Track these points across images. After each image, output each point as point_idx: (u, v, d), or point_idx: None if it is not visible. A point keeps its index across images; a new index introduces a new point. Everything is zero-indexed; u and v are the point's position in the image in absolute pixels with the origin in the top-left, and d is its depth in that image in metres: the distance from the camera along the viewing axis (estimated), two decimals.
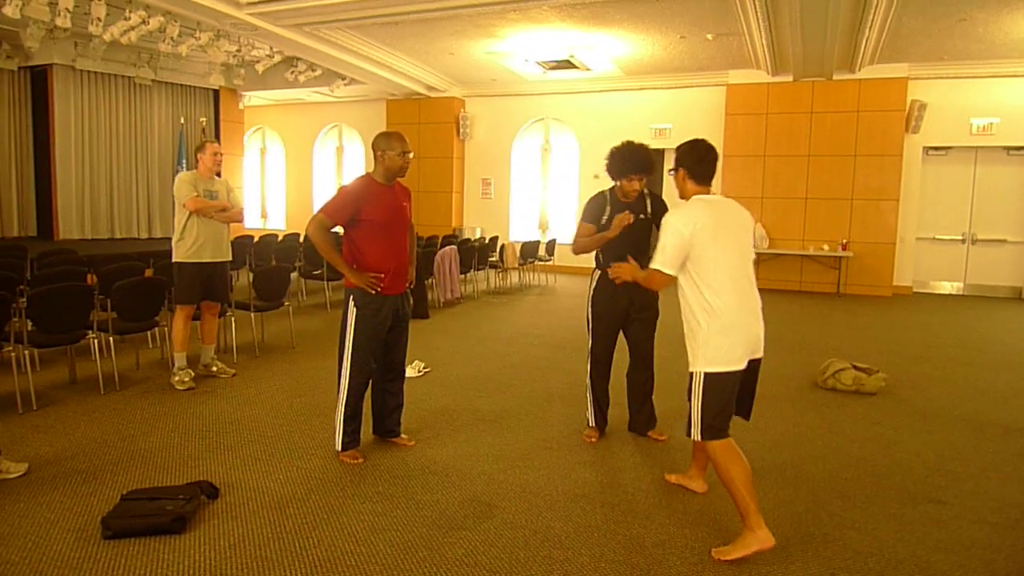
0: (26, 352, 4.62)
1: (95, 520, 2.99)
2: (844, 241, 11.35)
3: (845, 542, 2.97)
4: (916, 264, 11.66)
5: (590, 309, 4.11)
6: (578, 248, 4.09)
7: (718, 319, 2.81)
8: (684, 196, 3.05)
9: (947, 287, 11.70)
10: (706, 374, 2.83)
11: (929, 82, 11.00)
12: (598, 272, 4.04)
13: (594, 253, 4.09)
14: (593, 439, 4.11)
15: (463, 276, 9.89)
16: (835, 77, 11.12)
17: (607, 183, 4.09)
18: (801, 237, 11.62)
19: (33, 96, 12.45)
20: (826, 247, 11.46)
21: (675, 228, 2.86)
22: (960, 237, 11.52)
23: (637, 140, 4.01)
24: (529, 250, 11.49)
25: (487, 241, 11.60)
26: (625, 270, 3.18)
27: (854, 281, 11.42)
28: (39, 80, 12.29)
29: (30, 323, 4.72)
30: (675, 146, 3.19)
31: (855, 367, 5.46)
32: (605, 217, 3.96)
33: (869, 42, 9.42)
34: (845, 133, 11.29)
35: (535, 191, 14.30)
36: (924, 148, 11.35)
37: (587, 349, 4.16)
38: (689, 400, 2.91)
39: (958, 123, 11.06)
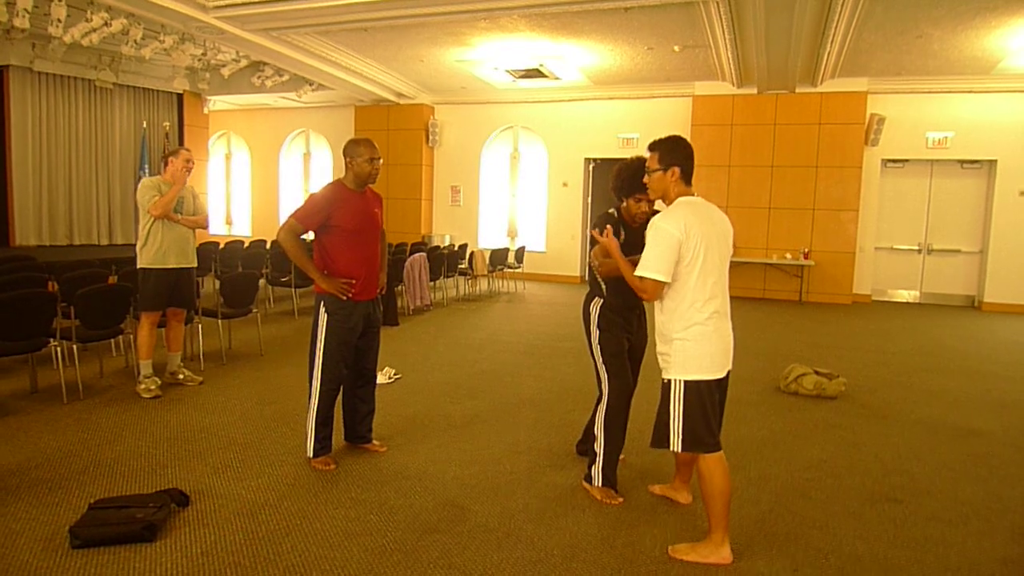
0: None
1: (63, 530, 2.95)
2: (806, 250, 11.64)
3: (807, 540, 3.07)
4: (875, 273, 11.99)
5: (599, 348, 3.48)
6: (607, 271, 3.31)
7: (699, 326, 2.77)
8: (668, 198, 2.90)
9: (904, 295, 12.06)
10: (686, 382, 2.79)
11: (887, 96, 11.37)
12: (600, 301, 3.52)
13: (594, 282, 3.57)
14: (619, 500, 3.41)
15: (432, 283, 9.90)
16: (798, 90, 11.42)
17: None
18: (765, 246, 11.88)
19: None
20: (789, 256, 11.73)
21: (667, 232, 2.74)
22: (916, 247, 11.89)
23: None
24: (498, 257, 11.55)
25: (456, 248, 11.62)
26: (613, 247, 3.00)
27: (815, 289, 11.70)
28: None
29: None
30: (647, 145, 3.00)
31: (816, 372, 5.61)
32: (621, 240, 3.35)
33: (831, 56, 9.70)
34: (807, 145, 11.59)
35: (504, 199, 14.38)
36: (882, 160, 11.71)
37: (603, 392, 3.50)
38: (667, 410, 2.83)
39: (915, 137, 11.44)
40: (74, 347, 5.05)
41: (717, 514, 2.80)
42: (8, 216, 11.96)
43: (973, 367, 6.87)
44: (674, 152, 2.88)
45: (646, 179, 2.99)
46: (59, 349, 4.94)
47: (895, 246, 11.97)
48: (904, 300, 12.03)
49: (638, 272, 2.81)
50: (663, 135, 2.99)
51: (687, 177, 2.88)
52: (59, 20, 8.15)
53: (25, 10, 7.81)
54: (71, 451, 3.94)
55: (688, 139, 2.98)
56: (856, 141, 11.40)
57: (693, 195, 2.88)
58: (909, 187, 11.84)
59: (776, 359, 6.66)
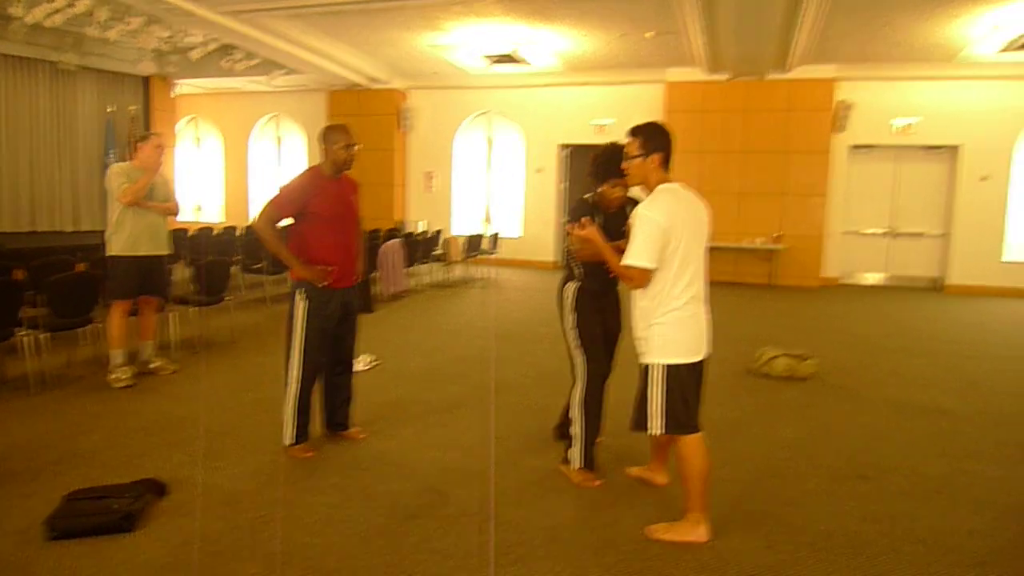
0: None
1: (37, 521, 2.91)
2: (776, 234, 11.81)
3: (780, 517, 3.15)
4: (842, 256, 12.22)
5: (574, 331, 3.50)
6: (587, 255, 3.21)
7: (676, 312, 2.81)
8: (649, 184, 2.89)
9: (871, 278, 12.31)
10: (667, 366, 2.83)
11: (855, 83, 11.54)
12: (573, 285, 3.53)
13: (569, 266, 3.59)
14: (597, 482, 3.47)
15: (407, 269, 9.87)
16: (768, 77, 11.54)
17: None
18: (735, 231, 12.02)
19: None
20: (759, 240, 11.89)
21: (654, 220, 2.74)
22: (883, 231, 12.13)
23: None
24: (473, 243, 11.54)
25: (431, 235, 11.58)
26: (596, 237, 2.95)
27: (785, 273, 11.89)
28: None
29: None
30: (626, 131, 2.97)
31: (788, 354, 5.73)
32: (597, 225, 3.25)
33: (799, 43, 9.81)
34: (777, 131, 11.73)
35: (479, 184, 14.34)
36: (850, 146, 11.90)
37: (578, 375, 3.52)
38: (646, 393, 2.88)
39: (881, 123, 11.64)
40: (42, 336, 4.95)
41: (695, 494, 2.87)
42: None
43: (938, 348, 7.06)
44: (655, 138, 2.88)
45: (625, 165, 2.98)
46: (26, 339, 4.84)
47: (862, 230, 12.20)
48: (871, 283, 12.29)
49: (626, 261, 2.81)
50: (637, 121, 2.99)
51: (667, 163, 2.89)
52: (19, 0, 7.91)
53: None
54: (43, 442, 3.88)
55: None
56: (824, 127, 11.57)
57: (672, 181, 2.89)
58: (875, 172, 12.06)
59: (748, 342, 6.76)
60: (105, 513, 2.91)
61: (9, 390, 4.84)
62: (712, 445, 3.90)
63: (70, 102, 12.72)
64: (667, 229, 2.74)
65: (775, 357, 5.69)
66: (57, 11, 8.44)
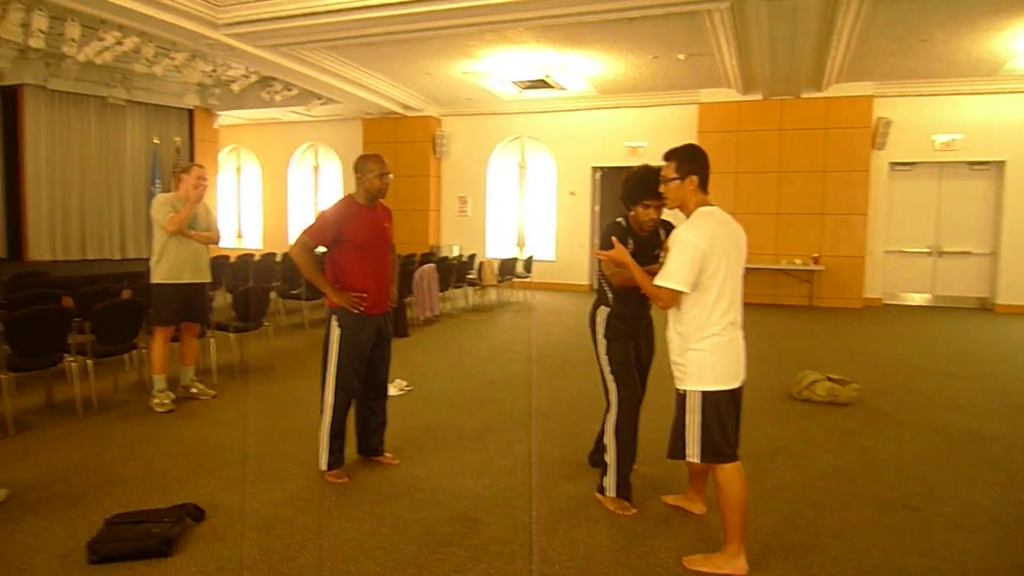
0: (3, 377, 4.57)
1: (80, 545, 2.97)
2: (815, 255, 11.60)
3: (822, 548, 3.06)
4: (885, 276, 11.94)
5: (606, 357, 3.48)
6: (621, 280, 3.29)
7: (714, 337, 2.77)
8: (687, 207, 2.87)
9: (916, 298, 11.99)
10: (703, 393, 2.79)
11: (894, 100, 11.35)
12: (605, 310, 3.51)
13: (600, 291, 3.57)
14: (632, 511, 3.40)
15: (441, 294, 9.93)
16: (803, 95, 11.42)
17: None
18: (774, 251, 11.85)
19: (4, 116, 12.29)
20: (798, 261, 11.70)
21: (693, 243, 2.72)
22: (927, 250, 11.83)
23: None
24: (507, 267, 11.57)
25: (465, 259, 11.66)
26: (625, 258, 2.96)
27: (825, 294, 11.66)
28: (10, 100, 12.12)
29: (7, 347, 4.66)
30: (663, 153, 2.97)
31: (829, 378, 5.59)
32: (630, 249, 3.30)
33: (835, 61, 9.71)
34: (814, 150, 11.58)
35: (512, 209, 14.42)
36: (890, 164, 11.68)
37: (612, 401, 3.47)
38: (683, 421, 2.83)
39: (922, 139, 11.41)
40: (89, 362, 5.10)
41: (734, 525, 2.80)
42: (23, 232, 12.10)
43: (987, 370, 6.82)
44: (691, 160, 2.87)
45: (662, 188, 2.96)
46: (74, 364, 4.99)
47: (905, 249, 11.91)
48: (916, 303, 11.96)
49: (658, 281, 2.79)
50: (669, 143, 3.00)
51: (704, 185, 2.87)
52: (73, 39, 8.27)
53: (40, 31, 7.93)
54: (87, 466, 3.98)
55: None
56: (863, 145, 11.38)
57: (711, 204, 2.87)
58: (918, 190, 11.79)
59: (787, 365, 6.63)
60: (144, 538, 2.96)
61: (57, 414, 4.98)
62: (751, 473, 3.82)
63: (119, 135, 13.20)
64: (706, 252, 2.73)
65: (816, 381, 5.56)
66: (107, 49, 8.77)
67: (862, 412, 5.28)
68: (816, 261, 11.58)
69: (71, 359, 4.97)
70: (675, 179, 2.88)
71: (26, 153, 11.95)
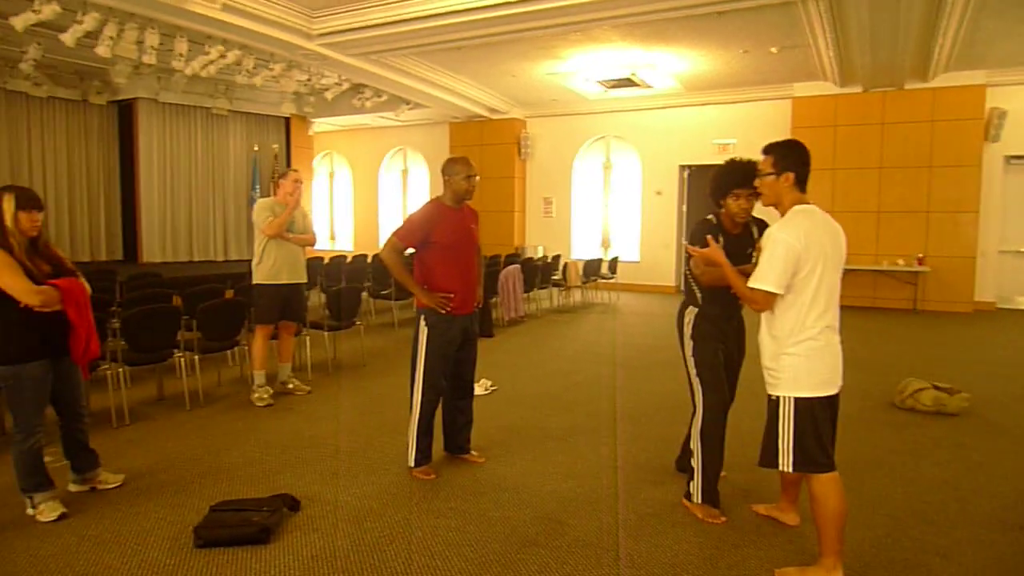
0: (120, 370, 4.91)
1: (187, 529, 3.16)
2: (920, 255, 10.95)
3: (928, 568, 2.88)
4: (999, 278, 11.12)
5: (693, 359, 3.41)
6: (711, 279, 3.21)
7: (810, 341, 2.67)
8: (782, 205, 2.79)
9: None
10: (796, 400, 2.69)
11: (1009, 88, 10.55)
12: (694, 310, 3.44)
13: (689, 291, 3.49)
14: (722, 519, 3.32)
15: (526, 295, 9.97)
16: (907, 86, 10.80)
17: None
18: (874, 252, 11.27)
19: (120, 128, 13.25)
20: (901, 262, 11.07)
21: (788, 243, 2.63)
22: None
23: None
24: (591, 268, 11.51)
25: (549, 259, 11.66)
26: (720, 257, 2.89)
27: (931, 297, 10.99)
28: (125, 113, 13.07)
29: (123, 342, 5.01)
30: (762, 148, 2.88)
31: (935, 387, 5.27)
32: (721, 247, 3.17)
33: (943, 49, 9.13)
34: (919, 144, 10.93)
35: (597, 209, 14.32)
36: (1005, 157, 10.87)
37: (698, 405, 3.40)
38: (776, 428, 2.74)
39: None
40: (196, 358, 5.41)
41: (830, 538, 2.68)
42: (137, 235, 13.01)
43: None
44: (788, 156, 2.77)
45: (757, 182, 2.89)
46: (182, 360, 5.31)
47: (1022, 249, 11.07)
48: None
49: (752, 283, 2.71)
50: (760, 139, 2.92)
51: (802, 184, 2.77)
52: (181, 54, 8.80)
53: (152, 47, 8.48)
54: (193, 455, 4.22)
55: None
56: (974, 137, 10.64)
57: (808, 203, 2.76)
58: None
59: (890, 373, 6.29)
60: (245, 525, 3.11)
61: (167, 406, 5.31)
62: (850, 485, 3.65)
63: (222, 143, 13.98)
64: (801, 253, 2.62)
65: (921, 389, 5.25)
66: (211, 62, 9.29)
67: (973, 423, 4.94)
68: (921, 262, 10.92)
69: (180, 354, 5.29)
70: (770, 174, 2.79)
71: (140, 162, 12.85)
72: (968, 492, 3.70)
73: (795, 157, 2.76)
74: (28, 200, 3.26)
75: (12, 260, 3.16)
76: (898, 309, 11.08)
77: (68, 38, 7.96)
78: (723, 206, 3.35)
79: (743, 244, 3.30)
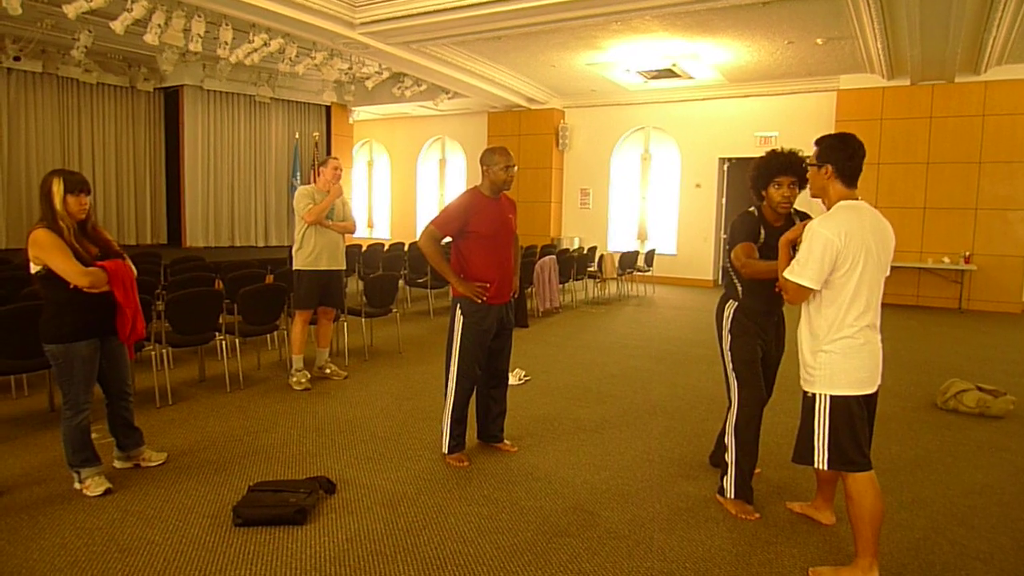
0: (164, 351, 5.05)
1: (227, 508, 3.25)
2: (967, 253, 10.64)
3: (968, 572, 2.82)
4: None
5: (730, 353, 3.37)
6: (753, 271, 3.18)
7: (848, 339, 2.63)
8: (826, 197, 2.74)
9: None
10: (832, 398, 2.65)
11: None
12: (734, 304, 3.40)
13: (730, 284, 3.45)
14: (755, 515, 3.28)
15: (561, 286, 9.96)
16: (957, 80, 10.48)
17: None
18: (919, 249, 10.99)
19: (166, 115, 13.56)
20: (947, 260, 10.78)
21: (826, 238, 2.58)
22: None
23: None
24: (628, 260, 11.44)
25: (585, 251, 11.62)
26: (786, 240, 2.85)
27: (978, 296, 10.68)
28: (171, 100, 13.37)
29: (167, 324, 5.14)
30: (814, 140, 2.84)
31: (980, 388, 5.13)
32: (760, 241, 3.28)
33: (997, 42, 8.83)
34: (968, 139, 10.60)
35: (634, 201, 14.20)
36: None
37: (733, 400, 3.39)
38: (811, 425, 2.71)
39: None
40: (236, 341, 5.53)
41: (866, 538, 2.64)
42: (181, 220, 13.33)
43: None
44: (832, 148, 2.70)
45: (808, 172, 2.86)
46: (223, 342, 5.44)
47: None
48: None
49: (787, 274, 2.69)
50: (804, 132, 2.94)
51: (845, 178, 2.69)
52: (226, 43, 8.95)
53: (198, 35, 8.65)
54: (233, 436, 4.32)
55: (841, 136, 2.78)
56: None
57: (856, 198, 2.70)
58: None
59: (932, 373, 6.15)
60: (283, 506, 3.18)
61: (208, 387, 5.45)
62: (888, 486, 3.59)
63: (264, 130, 14.21)
64: (841, 250, 2.57)
65: (964, 391, 5.12)
66: (255, 50, 9.43)
67: (1017, 427, 4.81)
68: (968, 260, 10.62)
69: (221, 337, 5.42)
70: (813, 165, 2.77)
71: (184, 149, 13.14)
72: (1011, 497, 3.61)
73: (837, 151, 2.70)
74: (76, 184, 3.35)
75: (62, 242, 3.26)
76: (943, 308, 10.80)
77: (118, 25, 8.16)
78: (764, 197, 3.32)
79: (784, 233, 3.24)
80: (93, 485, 3.43)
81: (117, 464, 3.76)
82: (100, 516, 3.20)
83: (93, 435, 3.53)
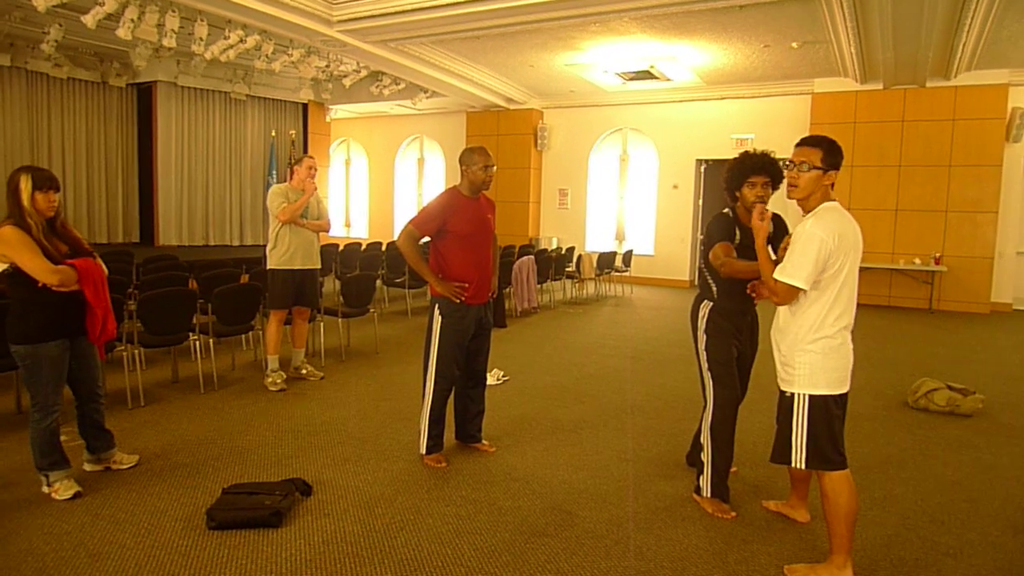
0: (136, 352, 4.96)
1: (200, 511, 3.20)
2: (937, 255, 10.84)
3: (937, 568, 2.87)
4: (1017, 280, 11.00)
5: (705, 353, 3.40)
6: (731, 270, 3.20)
7: (828, 339, 2.66)
8: (814, 200, 2.70)
9: None
10: (811, 397, 2.68)
11: None
12: (709, 304, 3.42)
13: (704, 284, 3.48)
14: (732, 514, 3.31)
15: (540, 286, 9.97)
16: (928, 84, 10.67)
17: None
18: (891, 250, 11.17)
19: (139, 111, 13.35)
20: (918, 261, 10.97)
21: (821, 239, 2.58)
22: None
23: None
24: (606, 261, 11.48)
25: (564, 251, 11.65)
26: (762, 234, 2.85)
27: (948, 297, 10.89)
28: (144, 96, 13.16)
29: (139, 324, 5.05)
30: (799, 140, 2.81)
31: (949, 387, 5.23)
32: (736, 242, 3.31)
33: (966, 47, 9.00)
34: (939, 142, 10.80)
35: (612, 201, 14.26)
36: None
37: (708, 400, 3.41)
38: (788, 425, 2.74)
39: None
40: (210, 341, 5.45)
41: (840, 536, 2.67)
42: (154, 218, 13.12)
43: None
44: (834, 154, 2.69)
45: (794, 172, 2.73)
46: (197, 343, 5.36)
47: None
48: None
49: (779, 276, 2.69)
50: (779, 134, 2.98)
51: (833, 183, 2.73)
52: (201, 38, 8.83)
53: (172, 30, 8.51)
54: (207, 438, 4.26)
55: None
56: (995, 137, 10.50)
57: (834, 200, 2.73)
58: None
59: (904, 372, 6.25)
60: (257, 508, 3.14)
61: (182, 388, 5.37)
62: (860, 483, 3.63)
63: (239, 128, 14.04)
64: (833, 251, 2.60)
65: (935, 390, 5.21)
66: (231, 47, 9.31)
67: (986, 425, 4.90)
68: (938, 261, 10.82)
69: (195, 337, 5.34)
70: (817, 169, 2.68)
71: (158, 146, 12.94)
72: (979, 493, 3.68)
73: (839, 155, 2.71)
74: (44, 180, 3.28)
75: (30, 240, 3.19)
76: (914, 308, 10.99)
77: (89, 19, 8.00)
78: (738, 198, 3.35)
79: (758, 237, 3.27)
80: (62, 489, 3.37)
81: (87, 467, 3.69)
82: (69, 520, 3.14)
83: (62, 437, 3.46)
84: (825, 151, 2.69)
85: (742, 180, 3.30)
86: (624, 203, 14.15)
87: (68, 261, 3.29)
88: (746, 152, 3.35)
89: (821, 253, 2.59)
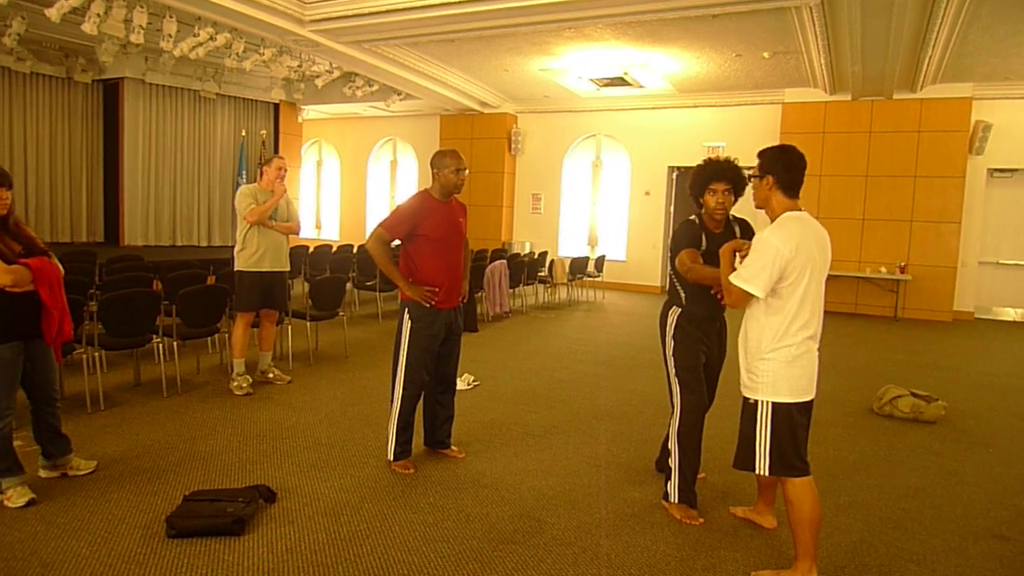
0: (96, 354, 4.83)
1: (160, 518, 3.12)
2: (902, 264, 11.06)
3: (902, 574, 2.90)
4: (978, 289, 11.27)
5: (673, 359, 3.40)
6: (697, 276, 3.21)
7: (791, 348, 2.66)
8: (768, 208, 2.78)
9: (1011, 313, 11.26)
10: (774, 405, 2.69)
11: (994, 102, 10.68)
12: (677, 310, 3.43)
13: (673, 290, 3.49)
14: (699, 520, 3.31)
15: (512, 290, 9.95)
16: (895, 96, 10.89)
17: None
18: (858, 259, 11.37)
19: (105, 108, 13.07)
20: (883, 269, 11.17)
21: (776, 248, 2.60)
22: None
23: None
24: (578, 266, 11.51)
25: (536, 256, 11.65)
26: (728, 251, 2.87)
27: (912, 305, 11.10)
28: (111, 93, 12.88)
29: (100, 326, 4.92)
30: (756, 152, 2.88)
31: (913, 394, 5.32)
32: (703, 248, 3.33)
33: (932, 61, 9.21)
34: (905, 153, 11.03)
35: (585, 207, 14.31)
36: (988, 170, 11.00)
37: (676, 406, 3.41)
38: (752, 431, 2.75)
39: None
40: (175, 344, 5.34)
41: (805, 542, 2.69)
42: (119, 217, 12.84)
43: None
44: (772, 161, 2.75)
45: (752, 182, 2.87)
46: (161, 345, 5.24)
47: (1002, 260, 11.21)
48: (1011, 318, 11.24)
49: (734, 279, 2.70)
50: (750, 143, 2.96)
51: (786, 189, 2.74)
52: (170, 35, 8.68)
53: (140, 26, 8.35)
54: (169, 443, 4.16)
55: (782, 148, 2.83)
56: (959, 149, 10.75)
57: (799, 209, 2.74)
58: (1018, 198, 11.07)
59: (869, 379, 6.34)
60: (219, 516, 3.07)
61: (144, 392, 5.24)
62: (826, 490, 3.67)
63: (209, 127, 13.82)
64: (790, 261, 2.61)
65: (899, 397, 5.29)
66: (200, 44, 9.17)
67: (948, 432, 4.99)
68: (903, 270, 11.03)
69: (158, 340, 5.22)
70: (755, 176, 2.81)
71: (124, 143, 12.67)
72: (942, 500, 3.73)
73: (777, 163, 2.74)
74: None
75: None
76: (880, 316, 11.18)
77: (53, 13, 7.81)
78: (703, 204, 3.40)
79: (725, 239, 3.28)
80: (15, 496, 3.25)
81: (42, 473, 3.57)
82: (22, 529, 3.03)
83: (16, 443, 3.36)
84: (761, 160, 2.78)
85: (704, 187, 3.35)
86: (597, 209, 14.21)
87: (22, 261, 3.19)
88: (709, 159, 3.41)
89: (777, 262, 2.61)
